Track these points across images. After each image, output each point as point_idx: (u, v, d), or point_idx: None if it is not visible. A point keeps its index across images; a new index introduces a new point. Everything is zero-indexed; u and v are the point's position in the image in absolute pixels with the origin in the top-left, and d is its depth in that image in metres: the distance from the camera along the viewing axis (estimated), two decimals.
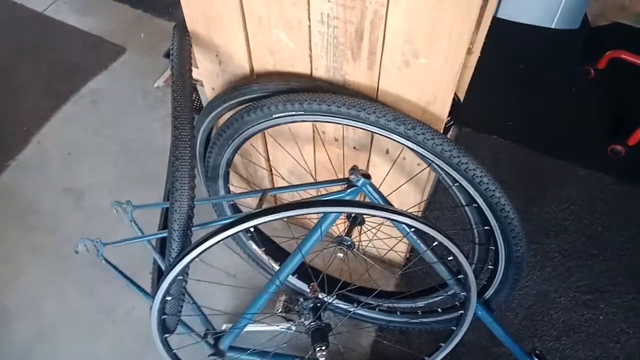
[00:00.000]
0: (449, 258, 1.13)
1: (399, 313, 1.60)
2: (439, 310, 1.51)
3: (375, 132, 1.08)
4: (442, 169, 1.09)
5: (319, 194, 1.52)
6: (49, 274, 1.86)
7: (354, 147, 1.34)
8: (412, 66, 1.02)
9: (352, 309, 1.63)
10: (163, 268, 1.24)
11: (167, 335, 1.25)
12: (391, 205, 1.22)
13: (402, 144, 1.07)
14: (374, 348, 1.67)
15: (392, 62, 1.04)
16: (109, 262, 1.25)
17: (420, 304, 1.55)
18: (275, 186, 1.74)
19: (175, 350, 1.31)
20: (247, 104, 1.21)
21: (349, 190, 1.15)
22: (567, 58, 2.55)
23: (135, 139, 2.24)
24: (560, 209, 2.00)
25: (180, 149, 1.05)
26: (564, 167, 2.12)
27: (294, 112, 1.12)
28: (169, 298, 1.15)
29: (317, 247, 1.25)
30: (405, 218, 1.02)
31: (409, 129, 1.03)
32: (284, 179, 1.62)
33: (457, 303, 1.46)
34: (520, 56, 2.55)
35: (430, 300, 1.52)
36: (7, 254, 1.91)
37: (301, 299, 1.44)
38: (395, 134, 1.05)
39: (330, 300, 1.30)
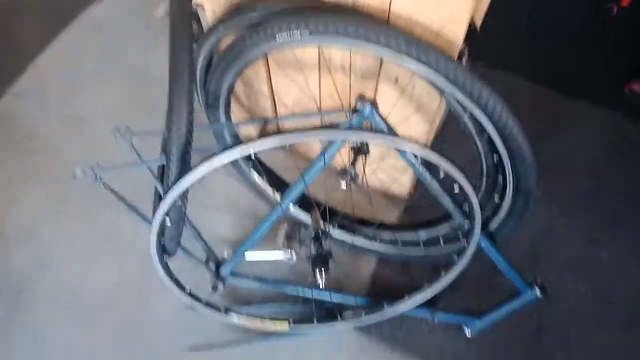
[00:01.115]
0: (455, 188, 1.11)
1: (400, 244, 1.60)
2: (442, 242, 1.50)
3: (385, 56, 1.02)
4: (453, 96, 1.04)
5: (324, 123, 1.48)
6: (49, 200, 1.85)
7: (361, 75, 1.29)
8: None
9: (353, 239, 1.63)
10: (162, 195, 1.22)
11: (166, 258, 1.25)
12: (397, 133, 1.18)
13: (412, 69, 1.01)
14: (374, 277, 1.68)
15: None
16: (108, 187, 1.24)
17: (423, 235, 1.55)
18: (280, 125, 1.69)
19: (175, 276, 1.33)
20: (250, 27, 1.15)
21: (355, 119, 1.11)
22: None
23: (136, 67, 2.17)
24: (571, 148, 1.95)
25: (178, 72, 1.01)
26: (578, 106, 2.05)
27: (299, 34, 1.05)
28: (168, 222, 1.14)
29: (321, 178, 1.22)
30: (411, 145, 0.98)
31: (421, 53, 0.97)
32: (287, 109, 1.57)
33: (460, 235, 1.45)
34: None
35: (434, 232, 1.51)
36: (7, 180, 1.90)
37: (303, 229, 1.46)
38: (406, 59, 0.99)
39: (331, 228, 1.29)
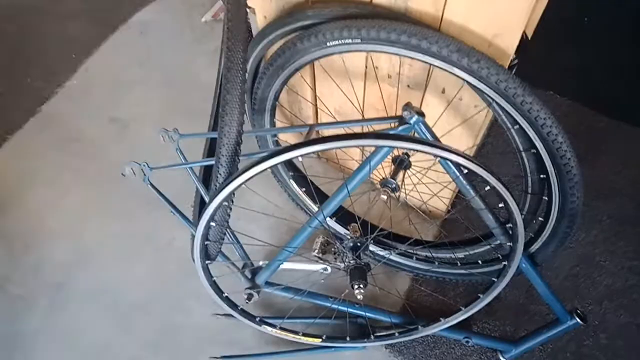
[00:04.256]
0: (499, 205, 1.09)
1: (437, 263, 1.57)
2: (479, 262, 1.48)
3: (436, 65, 1.02)
4: (502, 108, 1.03)
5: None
6: (92, 199, 1.90)
7: (408, 86, 1.29)
8: None
9: (389, 255, 1.62)
10: (205, 197, 1.23)
11: (208, 262, 1.26)
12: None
13: (463, 79, 1.01)
14: (409, 294, 1.66)
15: None
16: (154, 187, 1.26)
17: (460, 254, 1.52)
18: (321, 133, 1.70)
19: (215, 280, 1.33)
20: (300, 32, 1.17)
21: (400, 128, 1.11)
22: (635, 15, 2.38)
23: (181, 72, 2.24)
24: (613, 171, 1.90)
25: (232, 72, 1.02)
26: (620, 128, 2.01)
27: (350, 40, 1.07)
28: (213, 224, 1.15)
29: (359, 190, 1.21)
30: (461, 158, 0.97)
31: (472, 62, 0.97)
32: (329, 118, 1.58)
33: (499, 255, 1.43)
34: (586, 9, 2.39)
35: (472, 252, 1.49)
36: (53, 177, 1.96)
37: (338, 243, 1.46)
38: (457, 68, 0.99)
39: (370, 239, 1.28)
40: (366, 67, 1.31)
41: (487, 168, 1.00)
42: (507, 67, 1.06)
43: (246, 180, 1.02)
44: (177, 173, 1.19)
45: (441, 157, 0.98)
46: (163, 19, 2.44)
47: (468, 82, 1.01)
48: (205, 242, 1.19)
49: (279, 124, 1.68)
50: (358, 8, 1.10)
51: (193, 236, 1.17)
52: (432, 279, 1.65)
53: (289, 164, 1.62)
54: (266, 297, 1.61)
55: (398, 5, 1.09)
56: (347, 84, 1.39)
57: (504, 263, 1.25)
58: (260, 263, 1.66)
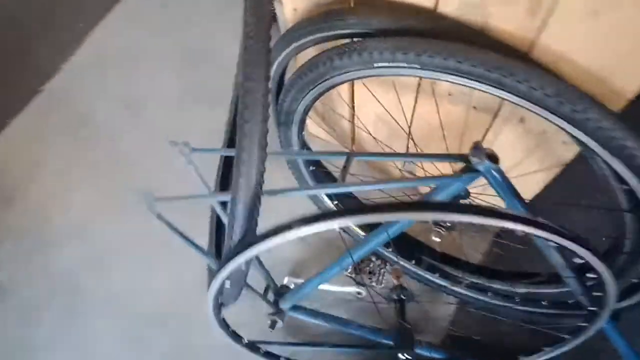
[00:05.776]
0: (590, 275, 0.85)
1: (491, 293, 1.35)
2: (544, 302, 1.24)
3: (522, 106, 0.75)
4: (608, 165, 0.76)
5: (421, 166, 1.21)
6: (103, 193, 1.71)
7: (474, 107, 1.01)
8: (602, 19, 0.66)
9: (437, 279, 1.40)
10: (223, 219, 1.04)
11: (223, 312, 1.08)
12: (520, 196, 0.91)
13: (559, 126, 0.74)
14: (453, 323, 1.45)
15: (570, 10, 0.68)
16: (162, 219, 1.07)
17: (521, 290, 1.29)
18: (358, 136, 1.44)
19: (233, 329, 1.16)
20: (339, 43, 0.90)
21: (465, 175, 0.86)
22: None
23: (202, 46, 1.98)
24: None
25: (250, 109, 0.75)
26: None
27: (405, 64, 0.80)
28: (227, 285, 0.95)
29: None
30: (552, 234, 0.72)
31: (577, 111, 0.70)
32: (369, 133, 1.30)
33: (568, 301, 1.20)
34: None
35: (536, 290, 1.25)
36: (60, 167, 1.77)
37: (373, 259, 1.30)
38: (556, 115, 0.72)
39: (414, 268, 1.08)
40: (419, 81, 1.03)
41: (585, 244, 0.75)
42: (620, 106, 0.78)
43: (267, 248, 0.81)
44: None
45: (524, 233, 0.74)
46: None
47: (566, 131, 0.75)
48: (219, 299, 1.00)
49: (309, 129, 1.44)
50: (417, 20, 0.82)
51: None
52: (481, 309, 1.42)
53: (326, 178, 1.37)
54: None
55: (474, 20, 0.80)
56: (391, 94, 1.12)
57: (581, 322, 1.03)
58: (285, 280, 1.48)
